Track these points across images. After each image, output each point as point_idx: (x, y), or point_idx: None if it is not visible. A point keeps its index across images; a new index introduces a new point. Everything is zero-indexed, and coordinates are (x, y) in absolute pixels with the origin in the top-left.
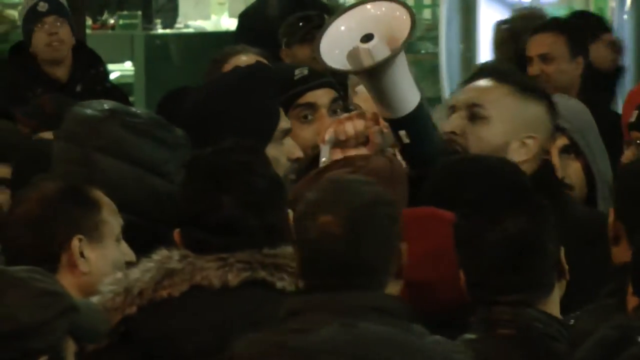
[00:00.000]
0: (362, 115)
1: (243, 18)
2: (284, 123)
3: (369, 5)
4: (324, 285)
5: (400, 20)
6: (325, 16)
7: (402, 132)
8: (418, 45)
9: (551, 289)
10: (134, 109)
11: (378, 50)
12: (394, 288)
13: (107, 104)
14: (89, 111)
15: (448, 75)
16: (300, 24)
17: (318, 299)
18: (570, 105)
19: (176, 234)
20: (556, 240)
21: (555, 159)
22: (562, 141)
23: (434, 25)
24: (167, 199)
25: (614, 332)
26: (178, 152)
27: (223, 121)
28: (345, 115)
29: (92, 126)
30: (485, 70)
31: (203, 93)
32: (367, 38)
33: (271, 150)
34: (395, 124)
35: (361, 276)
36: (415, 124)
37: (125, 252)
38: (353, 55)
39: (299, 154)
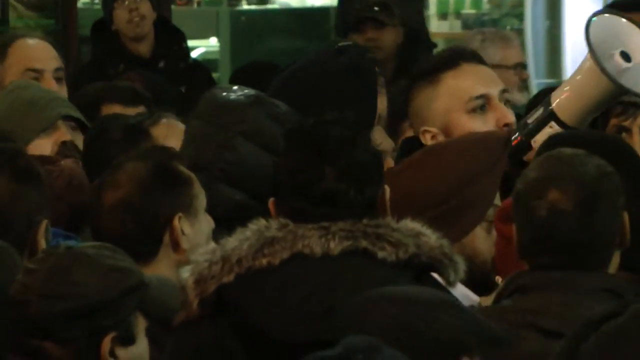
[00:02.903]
0: None
1: None
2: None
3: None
4: (555, 263)
5: None
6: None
7: None
8: (503, 22)
9: None
10: (272, 99)
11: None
12: (616, 258)
13: (248, 90)
14: (233, 95)
15: (534, 52)
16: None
17: (552, 278)
18: None
19: (271, 203)
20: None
21: (637, 137)
22: None
23: (519, 2)
24: None
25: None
26: None
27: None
28: None
29: (239, 110)
30: None
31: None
32: (626, 57)
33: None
34: None
35: (592, 253)
36: None
37: (209, 220)
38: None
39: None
